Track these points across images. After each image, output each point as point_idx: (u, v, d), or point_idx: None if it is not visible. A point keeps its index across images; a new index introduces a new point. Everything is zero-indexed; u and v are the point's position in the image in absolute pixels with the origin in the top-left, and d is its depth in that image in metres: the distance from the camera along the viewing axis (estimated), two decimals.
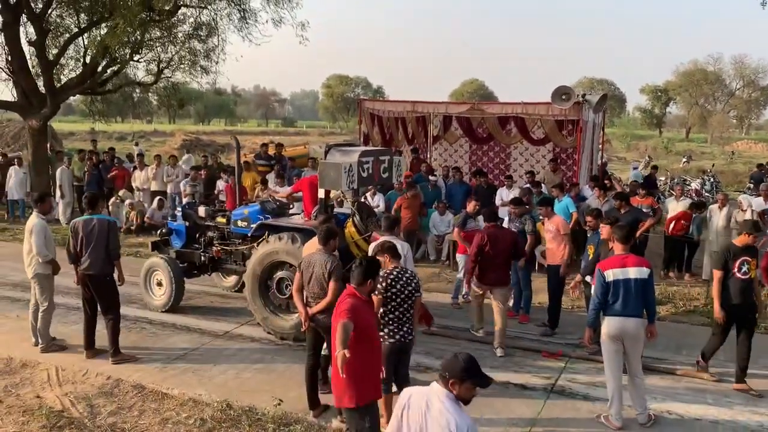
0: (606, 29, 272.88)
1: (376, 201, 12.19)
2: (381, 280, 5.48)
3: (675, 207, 11.79)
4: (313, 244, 6.35)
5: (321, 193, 7.87)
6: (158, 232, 10.26)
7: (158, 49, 18.71)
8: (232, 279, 10.11)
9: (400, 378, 5.76)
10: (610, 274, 5.93)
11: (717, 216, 11.19)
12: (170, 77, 19.74)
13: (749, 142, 61.02)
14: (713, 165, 29.09)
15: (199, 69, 19.14)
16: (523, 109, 13.53)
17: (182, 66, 19.18)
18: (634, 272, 5.92)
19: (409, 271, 5.78)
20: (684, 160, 34.67)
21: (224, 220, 9.18)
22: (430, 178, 13.73)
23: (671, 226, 11.54)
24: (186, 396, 6.50)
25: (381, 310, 5.55)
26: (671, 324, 9.02)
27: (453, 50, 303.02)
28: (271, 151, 16.14)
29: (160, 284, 9.15)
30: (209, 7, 17.79)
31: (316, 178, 8.06)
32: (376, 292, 5.46)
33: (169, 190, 15.67)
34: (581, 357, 7.57)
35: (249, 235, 8.57)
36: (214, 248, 9.18)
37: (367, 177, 7.94)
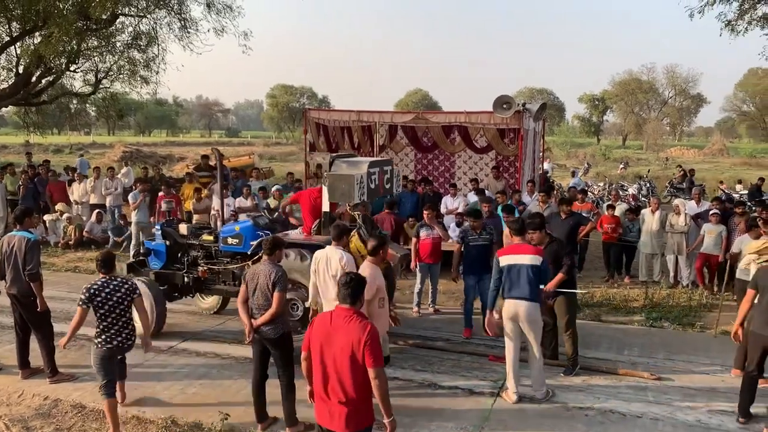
0: (545, 40, 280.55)
1: None
2: (84, 291, 5.90)
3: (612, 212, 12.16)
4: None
5: (326, 206, 7.65)
6: (132, 253, 9.70)
7: (96, 58, 18.32)
8: (211, 300, 9.60)
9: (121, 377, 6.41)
10: (504, 260, 6.53)
11: (650, 219, 11.58)
12: (109, 87, 19.34)
13: (682, 148, 63.63)
14: (649, 171, 30.25)
15: (138, 79, 18.79)
16: (466, 118, 13.75)
17: (121, 76, 18.82)
18: (526, 259, 6.44)
19: (117, 279, 6.00)
20: (621, 166, 35.83)
21: (211, 238, 8.67)
22: None
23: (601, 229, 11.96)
24: (129, 414, 6.31)
25: (90, 319, 5.93)
26: (612, 325, 9.28)
27: (398, 60, 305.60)
28: (213, 162, 15.91)
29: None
30: (148, 16, 17.48)
31: (316, 191, 7.93)
32: (80, 303, 5.87)
33: (108, 203, 15.24)
34: (527, 360, 7.70)
35: (249, 252, 8.20)
36: (200, 268, 8.61)
37: (375, 188, 7.75)
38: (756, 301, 6.17)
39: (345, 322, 4.20)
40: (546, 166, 25.65)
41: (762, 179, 20.94)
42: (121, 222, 14.96)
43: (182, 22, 17.73)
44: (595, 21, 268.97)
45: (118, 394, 6.14)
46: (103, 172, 16.06)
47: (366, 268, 6.20)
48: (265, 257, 5.99)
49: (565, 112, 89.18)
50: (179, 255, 8.94)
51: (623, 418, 6.30)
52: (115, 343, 5.92)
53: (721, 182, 22.44)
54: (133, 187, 15.04)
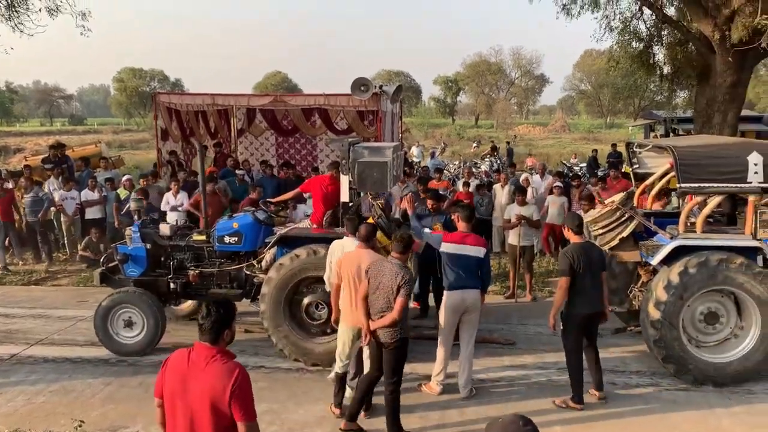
0: (399, 24, 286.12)
1: (179, 199, 11.54)
2: None
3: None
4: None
5: (344, 196, 7.17)
6: (101, 260, 8.42)
7: None
8: (188, 305, 8.71)
9: None
10: (450, 247, 6.42)
11: (500, 194, 12.20)
12: None
13: (528, 126, 67.74)
14: (502, 147, 31.90)
15: None
16: (325, 101, 13.73)
17: None
18: (471, 250, 6.38)
19: None
20: (474, 145, 37.55)
21: (203, 237, 7.77)
22: (237, 172, 13.45)
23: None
24: None
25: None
26: None
27: (257, 43, 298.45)
28: (59, 154, 14.73)
29: (130, 324, 7.47)
30: None
31: (327, 179, 7.46)
32: None
33: None
34: (419, 337, 7.83)
35: (266, 249, 7.43)
36: (190, 272, 7.68)
37: (396, 175, 7.38)
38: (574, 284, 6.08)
39: (205, 363, 3.33)
40: (415, 151, 26.41)
41: (595, 150, 23.12)
42: None
43: (9, 0, 16.13)
44: (446, 2, 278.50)
45: None
46: None
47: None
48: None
49: (422, 93, 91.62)
50: (162, 259, 7.95)
51: (482, 383, 6.67)
52: None
53: (530, 154, 24.34)
54: None
